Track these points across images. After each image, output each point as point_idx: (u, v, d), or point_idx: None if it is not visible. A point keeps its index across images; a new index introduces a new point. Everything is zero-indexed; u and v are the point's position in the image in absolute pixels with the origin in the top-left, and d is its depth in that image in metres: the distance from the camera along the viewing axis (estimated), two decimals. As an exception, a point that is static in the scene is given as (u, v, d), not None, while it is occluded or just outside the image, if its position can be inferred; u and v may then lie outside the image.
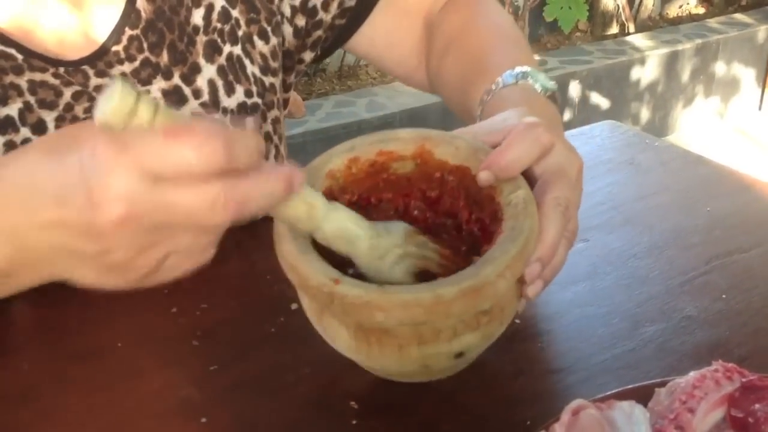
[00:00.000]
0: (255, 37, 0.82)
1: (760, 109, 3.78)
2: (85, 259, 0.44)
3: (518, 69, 0.69)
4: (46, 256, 0.45)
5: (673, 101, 3.51)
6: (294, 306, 0.65)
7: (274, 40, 0.83)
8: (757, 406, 0.46)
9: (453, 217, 0.60)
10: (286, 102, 0.91)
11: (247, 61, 0.81)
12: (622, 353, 0.61)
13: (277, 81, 0.85)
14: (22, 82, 0.70)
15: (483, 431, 0.54)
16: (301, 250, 0.52)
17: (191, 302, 0.68)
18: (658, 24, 3.88)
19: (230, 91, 0.80)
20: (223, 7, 0.80)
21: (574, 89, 3.22)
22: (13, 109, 0.69)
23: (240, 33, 0.81)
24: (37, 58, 0.71)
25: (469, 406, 0.56)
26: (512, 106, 0.62)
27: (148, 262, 0.45)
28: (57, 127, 0.71)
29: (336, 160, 0.58)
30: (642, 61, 3.35)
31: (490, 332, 0.54)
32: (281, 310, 0.66)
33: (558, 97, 0.71)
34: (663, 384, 0.50)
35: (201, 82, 0.78)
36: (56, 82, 0.71)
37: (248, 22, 0.81)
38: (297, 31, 0.86)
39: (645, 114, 3.46)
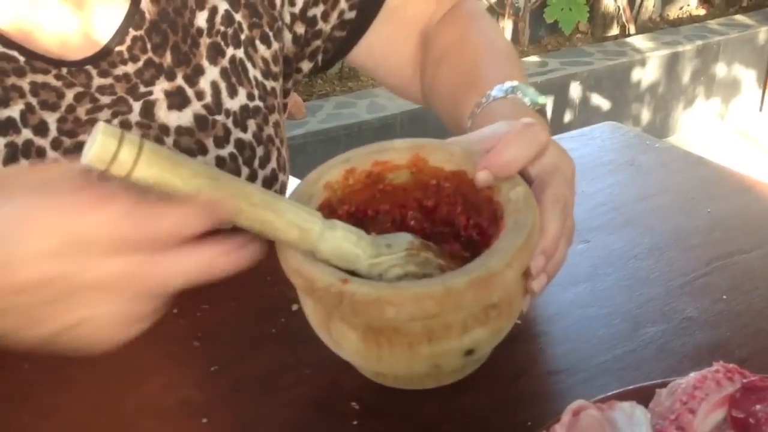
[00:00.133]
0: (257, 41, 0.82)
1: (760, 110, 3.78)
2: None
3: (508, 83, 0.71)
4: None
5: (673, 102, 3.51)
6: (295, 307, 0.65)
7: (275, 45, 0.84)
8: (758, 406, 0.46)
9: (450, 225, 0.60)
10: (285, 106, 0.91)
11: (249, 65, 0.82)
12: (623, 354, 0.61)
13: (278, 85, 0.85)
14: (24, 83, 0.70)
15: (484, 432, 0.55)
16: (305, 255, 0.52)
17: (192, 303, 0.68)
18: (658, 25, 3.88)
19: (233, 93, 0.80)
20: (226, 11, 0.80)
21: (575, 90, 3.22)
22: (14, 111, 0.70)
23: (242, 36, 0.81)
24: (39, 60, 0.71)
25: (470, 407, 0.56)
26: (501, 119, 0.63)
27: (57, 324, 0.46)
28: (59, 128, 0.71)
29: (332, 171, 0.59)
30: (642, 63, 3.35)
31: (499, 327, 0.54)
32: (282, 311, 0.66)
33: (546, 113, 0.72)
34: (664, 385, 0.50)
35: (204, 83, 0.78)
36: (58, 83, 0.71)
37: (251, 27, 0.82)
38: (296, 39, 0.87)
39: (646, 115, 3.46)
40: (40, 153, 0.71)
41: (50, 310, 0.45)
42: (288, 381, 0.60)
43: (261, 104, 0.82)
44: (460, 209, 0.60)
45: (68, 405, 0.58)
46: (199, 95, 0.78)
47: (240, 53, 0.81)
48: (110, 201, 0.43)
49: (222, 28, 0.80)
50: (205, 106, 0.78)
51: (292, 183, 0.84)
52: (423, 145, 0.60)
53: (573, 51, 3.47)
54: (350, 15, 0.88)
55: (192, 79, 0.78)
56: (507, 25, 3.48)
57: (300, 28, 0.86)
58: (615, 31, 3.73)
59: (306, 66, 0.91)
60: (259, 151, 0.81)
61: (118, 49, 0.74)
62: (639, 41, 3.52)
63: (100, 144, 0.43)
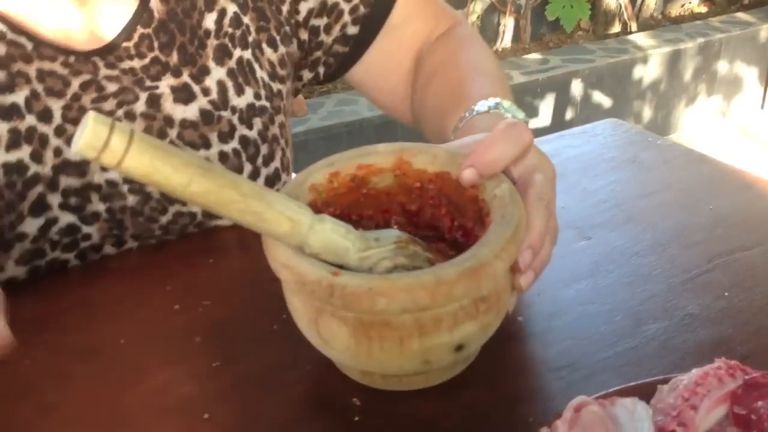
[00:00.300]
0: (264, 45, 0.83)
1: (762, 107, 3.77)
2: None
3: (492, 99, 0.72)
4: None
5: (675, 100, 3.50)
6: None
7: (282, 49, 0.85)
8: (759, 403, 0.46)
9: (434, 229, 0.61)
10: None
11: (256, 66, 0.82)
12: (625, 351, 0.61)
13: (284, 88, 0.86)
14: (31, 70, 0.71)
15: (485, 428, 0.54)
16: (294, 251, 0.52)
17: (193, 299, 0.68)
18: (660, 23, 3.88)
19: (240, 91, 0.80)
20: (235, 13, 0.81)
21: (577, 88, 3.21)
22: (19, 97, 0.70)
23: (250, 39, 0.82)
24: (47, 47, 0.71)
25: (472, 403, 0.56)
26: (482, 131, 0.64)
27: None
28: (63, 115, 0.72)
29: (317, 174, 0.59)
30: (644, 60, 3.35)
31: (488, 322, 0.54)
32: (283, 307, 0.65)
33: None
34: (665, 381, 0.50)
35: (210, 82, 0.79)
36: (65, 71, 0.72)
37: (258, 30, 0.82)
38: (300, 44, 0.87)
39: (647, 113, 3.45)
40: (43, 139, 0.71)
41: None
42: (289, 377, 0.60)
43: (267, 104, 0.83)
44: (444, 211, 0.60)
45: (69, 401, 0.58)
46: (206, 91, 0.78)
47: (247, 54, 0.81)
48: None
49: (230, 30, 0.80)
50: (211, 102, 0.79)
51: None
52: (407, 148, 0.61)
53: (574, 48, 3.47)
54: (353, 30, 0.89)
55: (198, 78, 0.78)
56: (509, 23, 3.48)
57: (304, 34, 0.87)
58: (617, 28, 3.72)
59: (306, 75, 0.92)
60: (264, 149, 0.82)
61: (125, 44, 0.75)
62: (641, 39, 3.52)
63: (92, 131, 0.43)
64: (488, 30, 3.50)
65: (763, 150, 3.34)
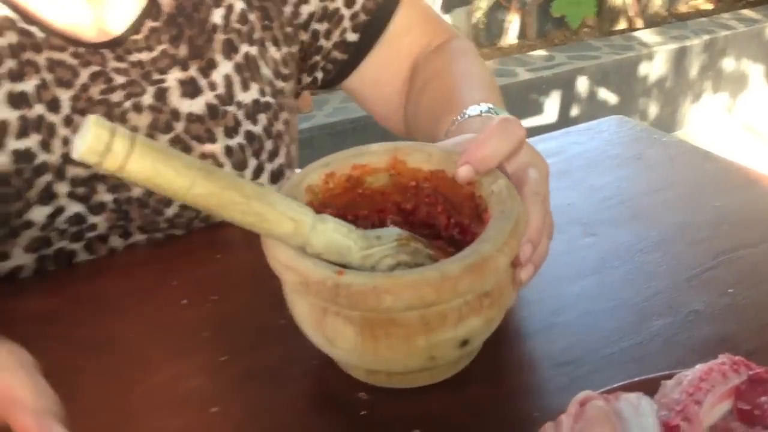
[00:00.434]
0: (268, 43, 0.84)
1: (768, 105, 3.76)
2: None
3: (484, 105, 0.73)
4: None
5: (681, 97, 3.50)
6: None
7: (285, 49, 0.86)
8: (763, 398, 0.46)
9: (430, 227, 0.61)
10: None
11: (261, 63, 0.83)
12: (629, 347, 0.61)
13: (288, 86, 0.86)
14: (41, 59, 0.72)
15: (491, 423, 0.55)
16: (296, 251, 0.52)
17: (201, 294, 0.69)
18: (666, 20, 3.87)
19: (245, 87, 0.81)
20: (242, 9, 0.82)
21: (582, 84, 3.21)
22: (29, 85, 0.71)
23: (255, 36, 0.82)
24: (57, 37, 0.72)
25: (478, 398, 0.57)
26: (475, 132, 0.64)
27: None
28: (72, 106, 0.73)
29: (313, 175, 0.60)
30: (650, 57, 3.34)
31: (491, 316, 0.54)
32: (290, 302, 0.66)
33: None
34: (669, 377, 0.50)
35: (217, 76, 0.79)
36: (75, 62, 0.73)
37: (262, 28, 0.83)
38: (300, 47, 0.88)
39: (653, 109, 3.45)
40: (51, 129, 0.72)
41: None
42: (297, 371, 0.60)
43: (272, 100, 0.84)
44: (440, 209, 0.61)
45: (78, 395, 0.59)
46: (212, 86, 0.79)
47: (253, 50, 0.82)
48: None
49: (237, 26, 0.81)
50: (217, 96, 0.79)
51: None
52: (400, 147, 0.61)
53: (580, 45, 3.46)
54: (353, 37, 0.89)
55: (205, 71, 0.79)
56: (514, 19, 3.48)
57: (305, 36, 0.88)
58: (622, 25, 3.72)
59: (305, 79, 0.92)
60: (268, 145, 0.82)
61: (133, 37, 0.76)
62: (646, 35, 3.51)
63: (94, 136, 0.43)
64: (493, 26, 3.50)
65: (769, 147, 3.33)
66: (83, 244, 0.76)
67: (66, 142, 0.73)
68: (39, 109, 0.71)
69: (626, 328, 0.63)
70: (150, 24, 0.77)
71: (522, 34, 3.54)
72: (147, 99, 0.76)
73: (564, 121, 3.18)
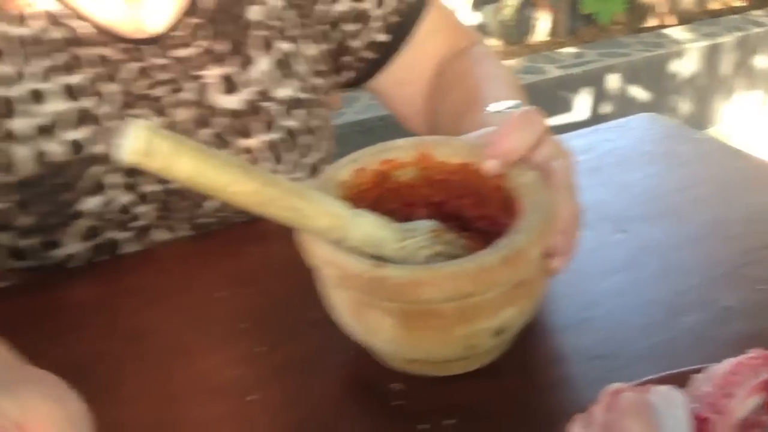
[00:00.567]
0: (303, 40, 0.85)
1: (802, 102, 3.71)
2: None
3: (509, 102, 0.73)
4: None
5: (713, 94, 3.46)
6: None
7: (322, 46, 0.87)
8: (794, 392, 0.47)
9: (457, 219, 0.62)
10: None
11: (297, 59, 0.84)
12: (660, 342, 0.62)
13: (324, 83, 0.87)
14: (91, 54, 0.75)
15: (524, 414, 0.56)
16: (333, 245, 0.53)
17: (240, 286, 0.71)
18: (697, 16, 3.83)
19: (282, 83, 0.83)
20: (278, 6, 0.83)
21: (612, 82, 3.19)
22: (81, 78, 0.74)
23: (292, 33, 0.84)
24: (105, 33, 0.75)
25: (511, 390, 0.58)
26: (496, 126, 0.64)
27: None
28: (118, 100, 0.75)
29: (342, 171, 0.61)
30: (681, 54, 3.31)
31: (525, 306, 0.56)
32: (326, 295, 0.67)
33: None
34: (699, 371, 0.50)
35: (254, 72, 0.81)
36: (120, 57, 0.76)
37: (299, 25, 0.84)
38: (333, 45, 0.89)
39: (685, 106, 3.42)
40: (99, 121, 0.75)
41: None
42: (333, 362, 0.61)
43: (308, 96, 0.85)
44: (469, 201, 0.61)
45: (122, 382, 0.61)
46: (250, 83, 0.81)
47: (289, 47, 0.84)
48: None
49: (274, 23, 0.83)
50: (255, 93, 0.81)
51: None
52: (425, 140, 0.62)
53: (610, 42, 3.44)
54: (383, 37, 0.90)
55: (242, 68, 0.80)
56: (543, 17, 3.46)
57: (336, 35, 0.89)
58: (653, 22, 3.68)
59: (335, 78, 0.93)
60: (305, 140, 0.84)
61: (173, 34, 0.78)
62: (677, 32, 3.48)
63: (137, 137, 0.45)
64: (522, 24, 3.48)
65: (802, 145, 3.29)
66: (131, 235, 0.78)
67: (113, 134, 0.75)
68: (89, 102, 0.74)
69: (657, 324, 0.63)
70: (189, 21, 0.79)
71: (552, 32, 3.52)
72: (187, 95, 0.78)
73: (594, 118, 3.16)
